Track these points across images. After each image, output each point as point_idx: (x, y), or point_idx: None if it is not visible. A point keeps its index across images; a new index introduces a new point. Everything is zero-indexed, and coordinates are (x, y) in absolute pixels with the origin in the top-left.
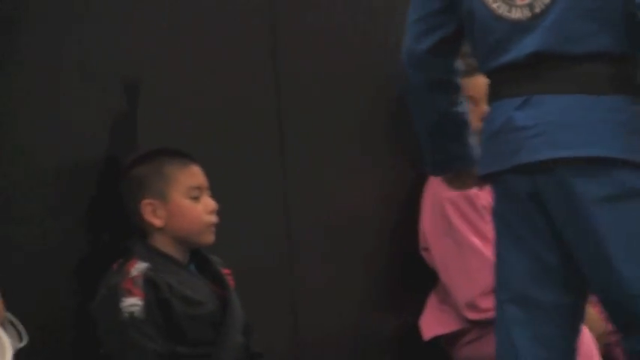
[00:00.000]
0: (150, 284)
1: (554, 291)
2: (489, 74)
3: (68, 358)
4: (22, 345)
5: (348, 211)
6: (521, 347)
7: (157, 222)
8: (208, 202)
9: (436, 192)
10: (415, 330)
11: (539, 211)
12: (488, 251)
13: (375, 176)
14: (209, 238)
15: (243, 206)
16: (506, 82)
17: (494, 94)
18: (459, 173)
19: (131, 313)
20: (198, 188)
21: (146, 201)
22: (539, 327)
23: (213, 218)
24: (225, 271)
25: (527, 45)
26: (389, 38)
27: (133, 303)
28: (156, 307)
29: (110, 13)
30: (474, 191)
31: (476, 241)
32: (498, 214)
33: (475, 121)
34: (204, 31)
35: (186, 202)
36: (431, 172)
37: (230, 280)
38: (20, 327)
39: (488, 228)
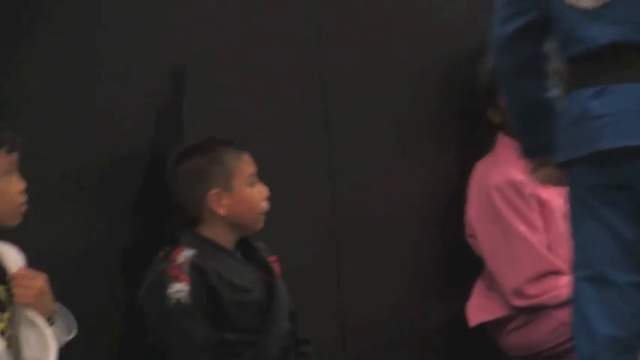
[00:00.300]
0: (196, 271)
1: (632, 272)
2: (565, 63)
3: (117, 347)
4: (71, 336)
5: (394, 198)
6: (596, 326)
7: (222, 211)
8: (262, 189)
9: (482, 179)
10: (461, 317)
11: (617, 195)
12: (534, 238)
13: (420, 164)
14: (260, 224)
15: (290, 194)
16: (581, 72)
17: (571, 84)
18: (546, 162)
19: (178, 300)
20: (253, 175)
21: (213, 191)
22: (614, 306)
23: (267, 205)
24: (271, 257)
25: (600, 35)
26: (431, 32)
27: (179, 289)
28: (203, 293)
29: (157, 2)
30: (520, 178)
31: (522, 228)
32: (577, 198)
33: None
34: (251, 20)
35: (248, 191)
36: (523, 156)
37: (276, 267)
38: (70, 317)
39: (535, 215)
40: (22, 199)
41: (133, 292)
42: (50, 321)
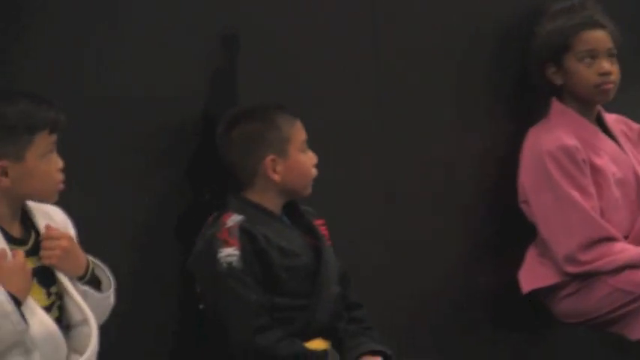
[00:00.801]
0: (246, 235)
1: None
2: None
3: (170, 314)
4: (111, 291)
5: (446, 164)
6: None
7: (276, 177)
8: (312, 156)
9: (535, 145)
10: (514, 283)
11: None
12: (587, 204)
13: (473, 129)
14: (309, 190)
15: (341, 159)
16: None
17: None
18: None
19: (229, 264)
20: (305, 142)
21: (269, 157)
22: None
23: (316, 171)
24: (318, 221)
25: None
26: None
27: (229, 253)
28: (253, 257)
29: None
30: (573, 144)
31: (576, 194)
32: None
33: (593, 76)
34: None
35: (301, 157)
36: None
37: (324, 231)
38: (107, 271)
39: (588, 181)
40: (61, 177)
41: (184, 258)
42: (84, 279)
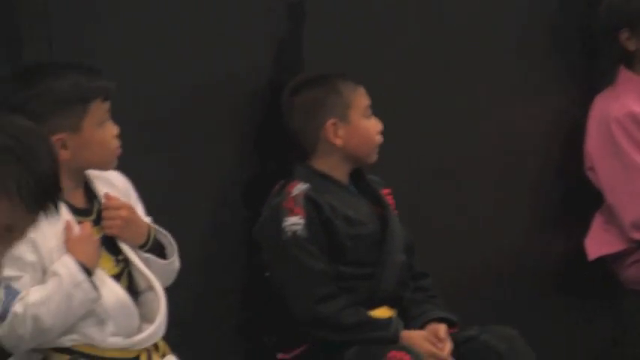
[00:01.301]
0: (311, 203)
1: None
2: None
3: (236, 283)
4: (174, 257)
5: (512, 132)
6: None
7: (338, 142)
8: (376, 122)
9: (602, 112)
10: (580, 250)
11: None
12: None
13: (540, 98)
14: (374, 157)
15: (405, 127)
16: None
17: None
18: None
19: (294, 232)
20: (368, 108)
21: (330, 121)
22: None
23: (381, 138)
24: (385, 190)
25: None
26: None
27: (294, 222)
28: (318, 226)
29: None
30: None
31: None
32: None
33: None
34: None
35: (365, 122)
36: None
37: (390, 200)
38: (169, 237)
39: None
40: (117, 143)
41: (250, 226)
42: (145, 247)
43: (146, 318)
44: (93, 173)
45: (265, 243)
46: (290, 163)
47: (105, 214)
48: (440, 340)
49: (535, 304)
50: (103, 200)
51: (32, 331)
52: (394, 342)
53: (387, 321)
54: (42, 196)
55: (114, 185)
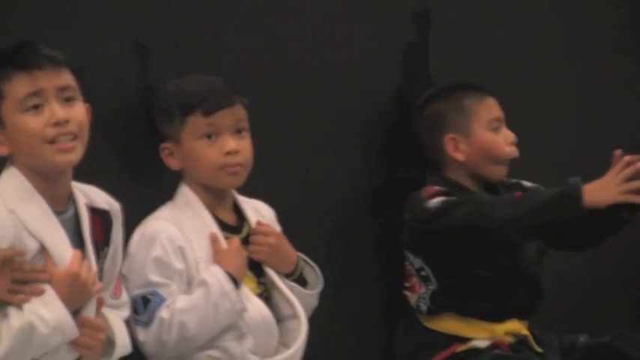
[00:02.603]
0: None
1: None
2: None
3: (366, 293)
4: (317, 290)
5: None
6: None
7: (459, 156)
8: (508, 134)
9: None
10: None
11: None
12: None
13: None
14: (503, 170)
15: (540, 136)
16: None
17: None
18: None
19: (440, 202)
20: (497, 120)
21: (449, 136)
22: None
23: (514, 151)
24: (517, 194)
25: None
26: None
27: (438, 200)
28: None
29: None
30: None
31: None
32: None
33: None
34: None
35: (488, 135)
36: None
37: None
38: (317, 271)
39: None
40: (224, 160)
41: (378, 233)
42: (291, 277)
43: (285, 345)
44: (241, 198)
45: (422, 229)
46: (422, 172)
47: (253, 238)
48: None
49: None
50: (253, 225)
51: (177, 338)
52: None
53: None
54: None
55: (261, 214)
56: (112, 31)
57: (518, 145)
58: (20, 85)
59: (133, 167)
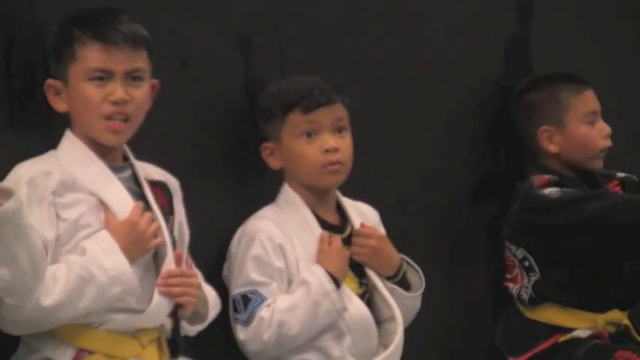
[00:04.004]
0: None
1: None
2: None
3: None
4: (419, 293)
5: None
6: None
7: (553, 148)
8: (603, 127)
9: None
10: None
11: None
12: None
13: None
14: (598, 163)
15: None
16: None
17: None
18: None
19: (558, 191)
20: (593, 113)
21: (543, 128)
22: None
23: (608, 142)
24: (612, 183)
25: None
26: None
27: (552, 189)
28: None
29: None
30: None
31: None
32: None
33: None
34: None
35: (583, 129)
36: None
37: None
38: (420, 274)
39: None
40: (325, 158)
41: (484, 223)
42: (393, 279)
43: (385, 346)
44: (345, 199)
45: (539, 223)
46: (523, 164)
47: (355, 240)
48: None
49: None
50: (356, 226)
51: (277, 338)
52: None
53: None
54: None
55: (365, 216)
56: (215, 23)
57: (614, 137)
58: (92, 56)
59: (236, 166)
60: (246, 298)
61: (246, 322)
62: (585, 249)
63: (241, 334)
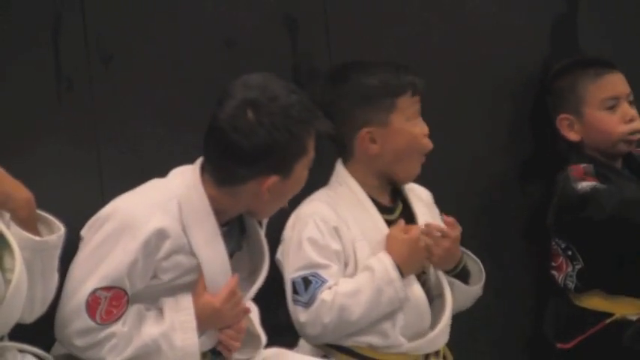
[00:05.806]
0: (602, 177)
1: None
2: None
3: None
4: (479, 285)
5: None
6: None
7: (574, 136)
8: (626, 111)
9: None
10: None
11: None
12: None
13: None
14: (624, 147)
15: None
16: None
17: None
18: None
19: (591, 187)
20: (613, 98)
21: (562, 116)
22: None
23: (634, 126)
24: None
25: None
26: None
27: (588, 184)
28: None
29: None
30: None
31: None
32: None
33: None
34: None
35: (601, 115)
36: None
37: None
38: (480, 265)
39: None
40: (426, 142)
41: (523, 214)
42: (452, 272)
43: (433, 326)
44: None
45: (568, 215)
46: (567, 148)
47: (431, 237)
48: None
49: None
50: (414, 209)
51: (337, 321)
52: None
53: None
54: None
55: (420, 198)
56: (261, 2)
57: None
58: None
59: None
60: (306, 280)
61: (307, 304)
62: (620, 240)
63: (302, 316)
